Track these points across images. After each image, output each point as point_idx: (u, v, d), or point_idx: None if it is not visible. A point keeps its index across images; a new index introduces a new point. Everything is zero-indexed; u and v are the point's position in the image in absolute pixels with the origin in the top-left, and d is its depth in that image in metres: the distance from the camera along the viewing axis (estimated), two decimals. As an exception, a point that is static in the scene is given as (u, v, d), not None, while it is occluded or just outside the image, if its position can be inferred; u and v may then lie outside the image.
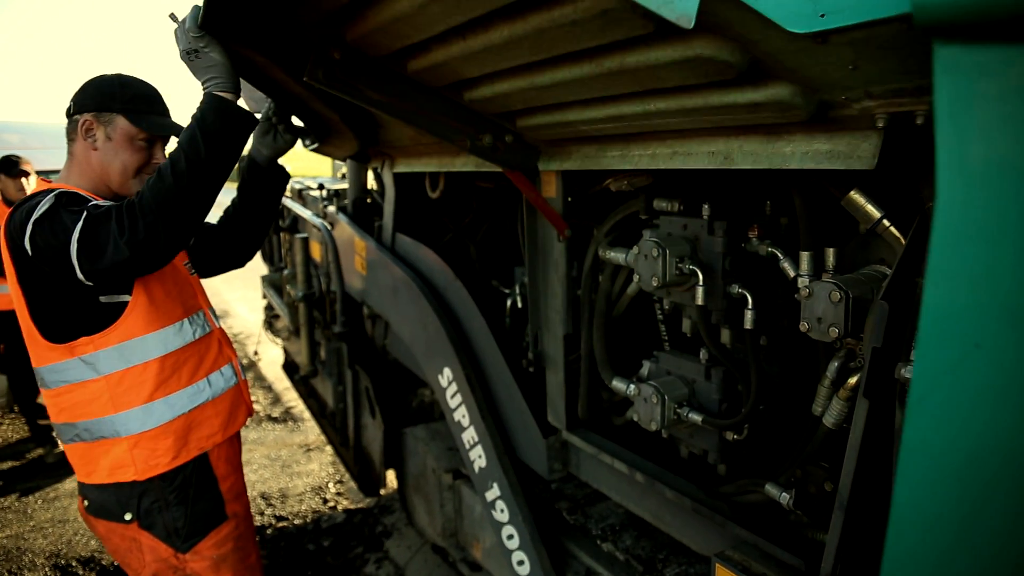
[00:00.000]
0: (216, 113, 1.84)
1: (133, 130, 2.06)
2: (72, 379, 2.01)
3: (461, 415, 2.80)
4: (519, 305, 2.90)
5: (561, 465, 2.53)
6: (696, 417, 1.84)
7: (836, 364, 1.58)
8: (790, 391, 1.87)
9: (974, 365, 0.67)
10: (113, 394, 2.02)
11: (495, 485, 2.64)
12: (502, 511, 2.62)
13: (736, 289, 1.76)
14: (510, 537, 2.60)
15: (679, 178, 1.98)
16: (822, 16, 0.92)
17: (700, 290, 1.76)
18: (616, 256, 2.03)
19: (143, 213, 1.77)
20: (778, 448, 1.89)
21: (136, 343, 2.03)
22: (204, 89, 1.89)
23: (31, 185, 5.03)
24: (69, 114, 2.07)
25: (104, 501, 2.10)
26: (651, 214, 2.01)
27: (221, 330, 2.39)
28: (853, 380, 1.51)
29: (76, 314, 1.96)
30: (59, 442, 5.43)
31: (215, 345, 2.29)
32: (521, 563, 2.56)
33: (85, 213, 1.81)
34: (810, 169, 1.41)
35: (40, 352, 2.01)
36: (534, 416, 2.53)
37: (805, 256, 1.59)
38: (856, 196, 1.47)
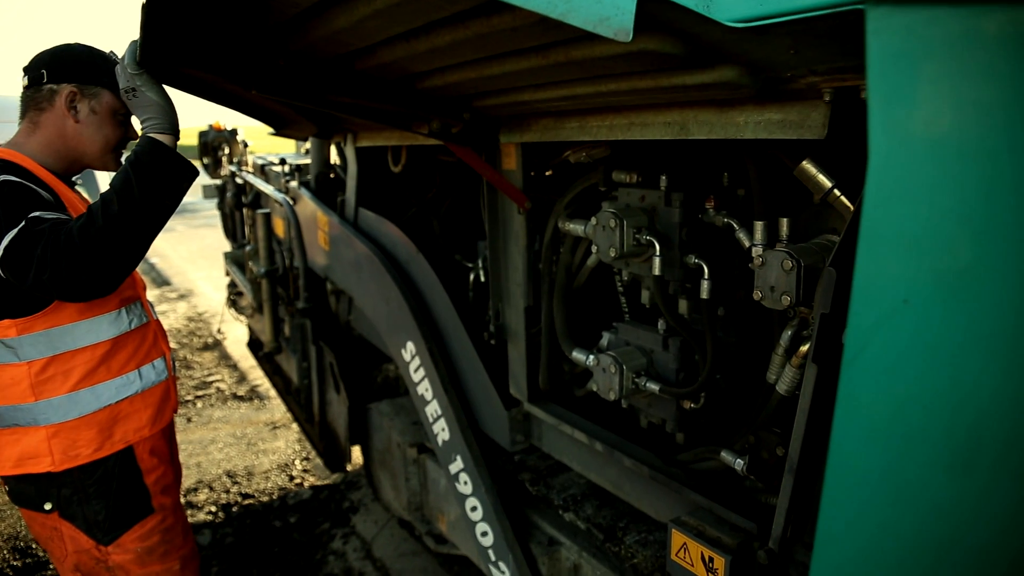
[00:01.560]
0: (151, 156, 1.80)
1: (117, 104, 2.00)
2: None
3: (424, 389, 2.80)
4: (482, 279, 2.89)
5: (523, 437, 2.55)
6: (654, 386, 1.86)
7: (789, 332, 1.60)
8: (746, 360, 1.90)
9: (902, 321, 0.69)
10: (34, 382, 1.92)
11: (458, 458, 2.65)
12: (465, 483, 2.64)
13: (693, 259, 1.78)
14: (474, 509, 2.62)
15: (637, 150, 1.98)
16: (761, 7, 0.93)
17: (657, 260, 1.77)
18: (575, 228, 2.04)
19: (69, 252, 1.68)
20: (734, 416, 1.93)
21: (65, 330, 1.93)
22: (142, 130, 1.85)
23: None
24: (37, 81, 1.95)
25: (22, 490, 2.02)
26: (609, 186, 2.01)
27: (158, 322, 2.31)
28: (805, 348, 1.53)
29: (1, 294, 1.85)
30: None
31: (150, 337, 2.20)
32: (485, 534, 2.59)
33: (23, 224, 1.71)
34: (764, 139, 1.42)
35: None
36: (496, 389, 2.54)
37: (759, 226, 1.61)
38: (808, 166, 1.49)
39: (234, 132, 5.87)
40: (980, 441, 0.70)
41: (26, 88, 1.95)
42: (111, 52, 2.00)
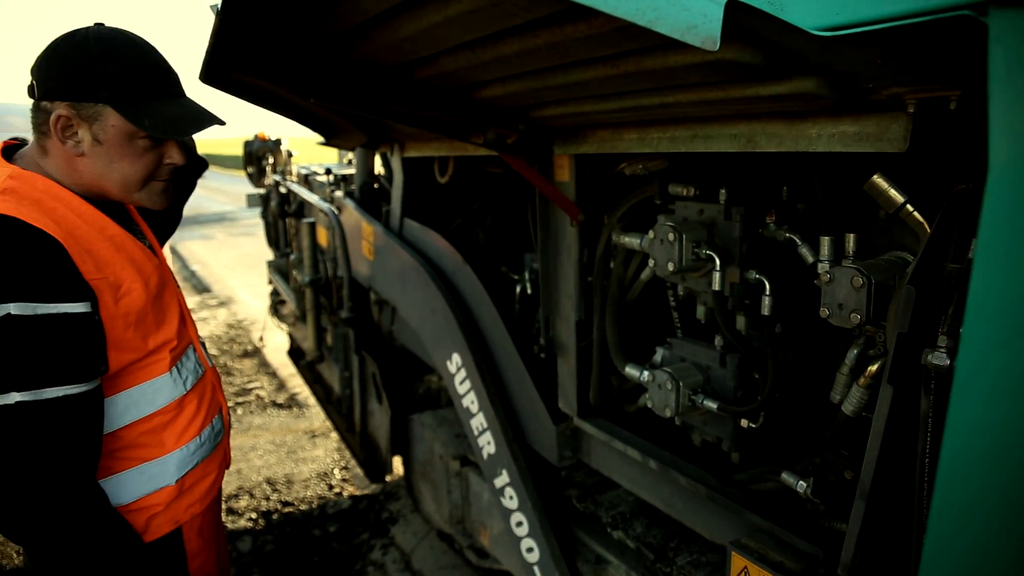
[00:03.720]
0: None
1: (130, 128, 1.44)
2: None
3: (470, 401, 2.78)
4: (528, 291, 2.87)
5: (571, 452, 2.51)
6: (711, 404, 1.82)
7: (855, 351, 1.55)
8: (804, 378, 1.84)
9: (1022, 345, 0.65)
10: None
11: (504, 472, 2.63)
12: (511, 498, 2.61)
13: (753, 275, 1.74)
14: (519, 524, 2.59)
15: (695, 162, 1.95)
16: (838, 16, 0.90)
17: (717, 275, 1.74)
18: (631, 241, 2.01)
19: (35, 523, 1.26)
20: (793, 436, 1.87)
21: (112, 402, 1.49)
22: None
23: None
24: (33, 96, 1.43)
25: None
26: (666, 199, 1.98)
27: (213, 369, 1.85)
28: (873, 368, 1.48)
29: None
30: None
31: (208, 392, 1.75)
32: (530, 550, 2.55)
33: (14, 405, 1.22)
34: (831, 152, 1.38)
35: None
36: (544, 403, 2.51)
37: (825, 241, 1.56)
38: (879, 180, 1.44)
39: (278, 142, 5.95)
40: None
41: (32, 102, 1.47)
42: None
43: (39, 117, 1.43)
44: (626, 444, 2.15)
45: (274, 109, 2.22)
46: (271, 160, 5.98)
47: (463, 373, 2.80)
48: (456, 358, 2.84)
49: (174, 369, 1.59)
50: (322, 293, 4.50)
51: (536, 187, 2.23)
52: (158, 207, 1.58)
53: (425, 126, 1.94)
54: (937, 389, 1.16)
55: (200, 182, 1.93)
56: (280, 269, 5.71)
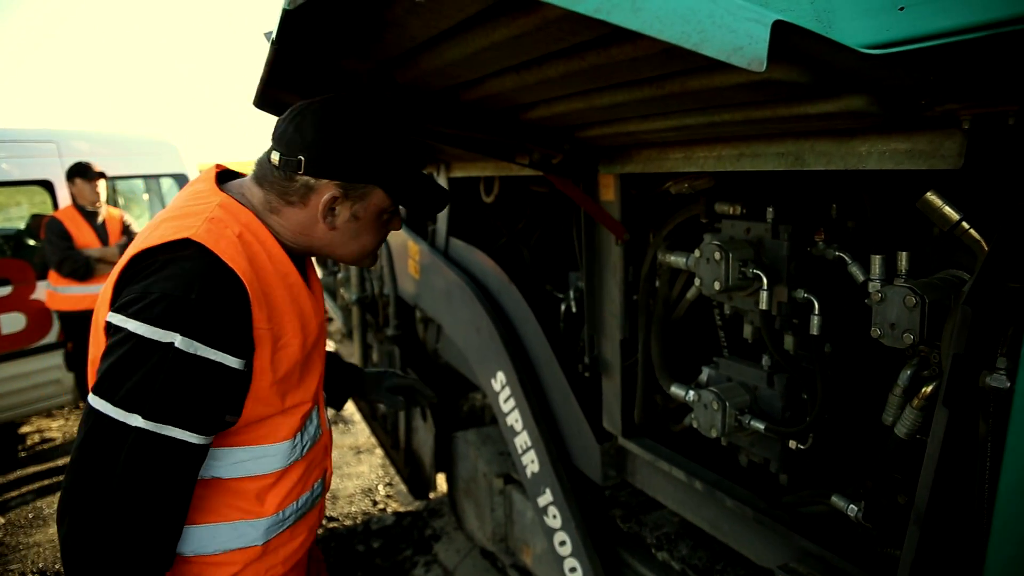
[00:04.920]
0: None
1: (387, 203, 1.47)
2: None
3: (514, 419, 2.78)
4: (573, 310, 2.87)
5: (615, 472, 2.49)
6: (759, 425, 1.79)
7: (908, 372, 1.52)
8: (855, 399, 1.81)
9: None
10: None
11: (547, 490, 2.62)
12: (554, 517, 2.60)
13: (801, 294, 1.72)
14: (562, 543, 2.58)
15: (741, 181, 1.94)
16: (888, 32, 0.89)
17: (764, 294, 1.72)
18: (677, 260, 2.00)
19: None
20: (842, 458, 1.83)
21: (222, 453, 1.43)
22: None
23: (103, 188, 5.21)
24: (291, 168, 1.38)
25: None
26: (712, 217, 1.97)
27: (330, 432, 1.76)
28: (928, 389, 1.45)
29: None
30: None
31: (319, 455, 1.64)
32: (573, 570, 2.54)
33: (135, 425, 1.20)
34: (882, 170, 1.36)
35: None
36: (588, 422, 2.50)
37: (877, 260, 1.54)
38: (933, 197, 1.42)
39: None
40: None
41: (274, 166, 1.41)
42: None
43: (291, 187, 1.40)
44: (671, 464, 2.13)
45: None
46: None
47: (507, 391, 2.81)
48: (501, 376, 2.85)
49: (297, 435, 1.51)
50: (368, 311, 4.56)
51: (581, 206, 2.24)
52: (369, 267, 1.65)
53: (471, 147, 1.96)
54: (996, 412, 1.13)
55: None
56: (327, 287, 5.81)
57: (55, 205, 5.64)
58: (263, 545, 1.49)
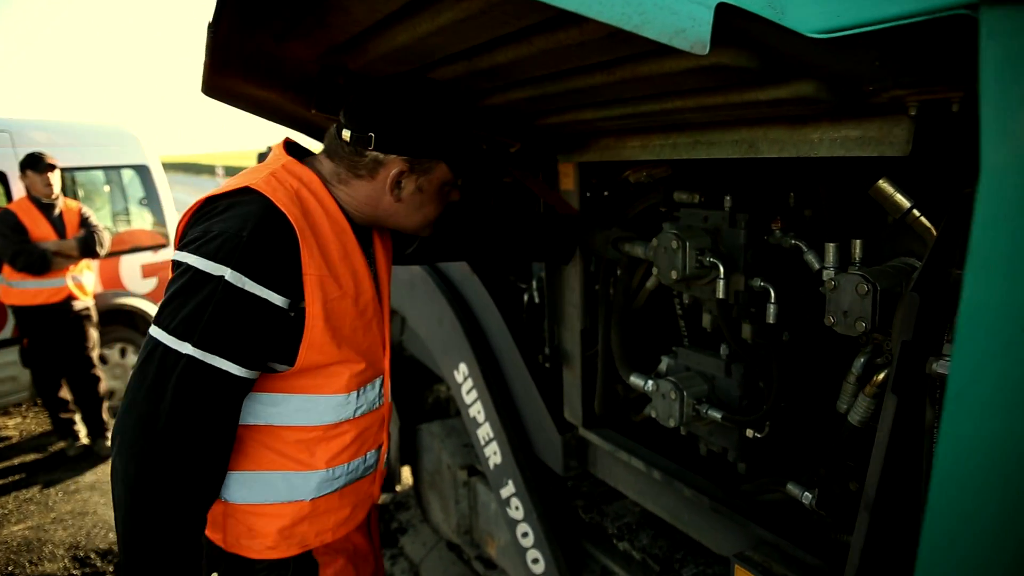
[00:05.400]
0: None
1: (449, 176, 1.55)
2: None
3: (476, 411, 2.76)
4: (536, 300, 2.86)
5: (577, 462, 2.49)
6: (716, 414, 1.79)
7: (862, 360, 1.53)
8: (812, 387, 1.81)
9: (1019, 354, 0.62)
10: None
11: (510, 482, 2.61)
12: (517, 508, 2.59)
13: (758, 282, 1.71)
14: (525, 535, 2.57)
15: (700, 169, 1.93)
16: (839, 19, 0.88)
17: (721, 283, 1.71)
18: (635, 249, 1.99)
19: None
20: (800, 446, 1.84)
21: (273, 399, 1.51)
22: None
23: (57, 180, 5.07)
24: (361, 143, 1.45)
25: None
26: (670, 206, 1.97)
27: (391, 404, 1.81)
28: (880, 376, 1.46)
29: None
30: (80, 436, 5.50)
31: (376, 425, 1.71)
32: (536, 561, 2.53)
33: (186, 352, 1.27)
34: (839, 157, 1.36)
35: None
36: (550, 412, 2.49)
37: (831, 248, 1.54)
38: (884, 185, 1.42)
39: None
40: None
41: (345, 141, 1.48)
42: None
43: (361, 161, 1.48)
44: (630, 454, 2.12)
45: (280, 121, 2.22)
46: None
47: (470, 383, 2.79)
48: (463, 368, 2.82)
49: (353, 393, 1.59)
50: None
51: (540, 196, 2.22)
52: (427, 235, 1.72)
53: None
54: (942, 399, 1.13)
55: None
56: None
57: (8, 197, 5.49)
58: (311, 501, 1.57)
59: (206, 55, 1.46)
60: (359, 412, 1.63)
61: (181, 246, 1.35)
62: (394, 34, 1.32)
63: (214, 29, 1.23)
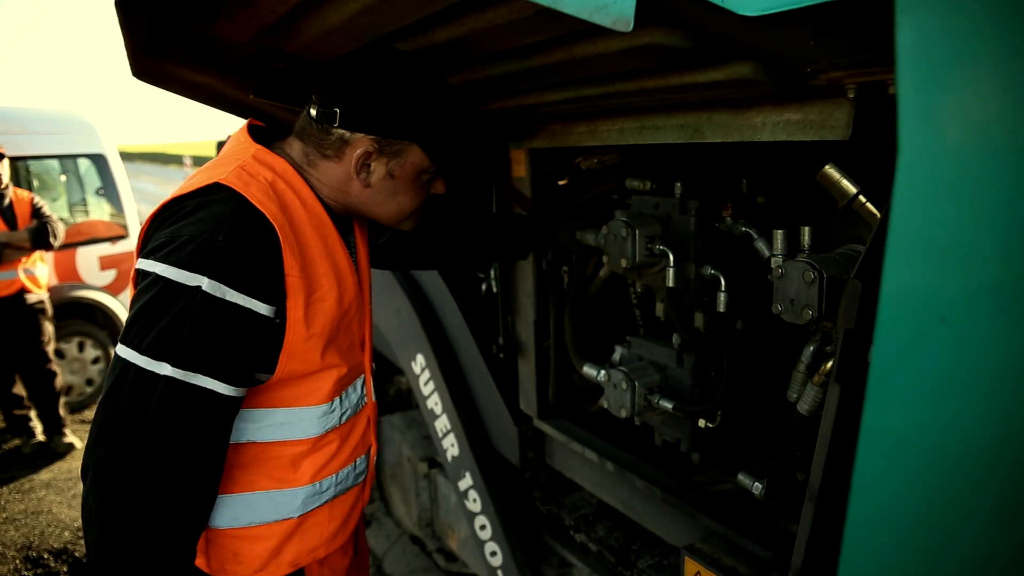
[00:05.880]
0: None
1: (426, 163, 1.38)
2: None
3: (434, 403, 2.72)
4: (494, 290, 2.82)
5: (534, 454, 2.46)
6: (667, 404, 1.77)
7: (811, 348, 1.51)
8: (766, 376, 1.80)
9: (939, 341, 0.60)
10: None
11: (467, 474, 2.57)
12: (475, 501, 2.55)
13: (709, 271, 1.69)
14: (482, 527, 2.53)
15: (652, 156, 1.90)
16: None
17: (671, 271, 1.69)
18: (587, 237, 1.95)
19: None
20: (753, 436, 1.83)
21: (255, 415, 1.36)
22: None
23: (6, 169, 4.90)
24: (326, 119, 1.31)
25: None
26: (623, 194, 1.93)
27: (375, 404, 1.66)
28: (828, 365, 1.44)
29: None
30: (35, 433, 5.37)
31: (361, 427, 1.56)
32: (494, 554, 2.50)
33: (164, 374, 1.14)
34: (785, 143, 1.33)
35: None
36: (506, 404, 2.46)
37: (778, 235, 1.52)
38: (831, 171, 1.40)
39: (252, 141, 5.86)
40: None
41: (312, 118, 1.34)
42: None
43: (327, 140, 1.33)
44: (584, 445, 2.10)
45: (221, 107, 2.14)
46: (245, 159, 5.89)
47: (427, 374, 2.74)
48: (420, 359, 2.78)
49: (336, 400, 1.44)
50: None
51: (491, 184, 2.18)
52: (408, 229, 1.55)
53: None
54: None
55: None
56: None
57: (-44, 187, 5.32)
58: (299, 518, 1.42)
59: (123, 36, 1.39)
60: (344, 418, 1.47)
61: (146, 253, 1.19)
62: (324, 14, 1.27)
63: (121, 6, 1.17)
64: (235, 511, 1.37)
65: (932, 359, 0.60)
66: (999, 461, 0.61)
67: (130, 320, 1.16)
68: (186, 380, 1.14)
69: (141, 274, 1.19)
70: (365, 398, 1.57)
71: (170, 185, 31.17)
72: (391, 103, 1.30)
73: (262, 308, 1.21)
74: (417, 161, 1.37)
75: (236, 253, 1.17)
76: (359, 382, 1.54)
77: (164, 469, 1.15)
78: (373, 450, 1.63)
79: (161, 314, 1.14)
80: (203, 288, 1.14)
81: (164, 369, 1.13)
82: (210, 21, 1.46)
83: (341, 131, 1.31)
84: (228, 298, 1.16)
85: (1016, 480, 0.62)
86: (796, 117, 1.23)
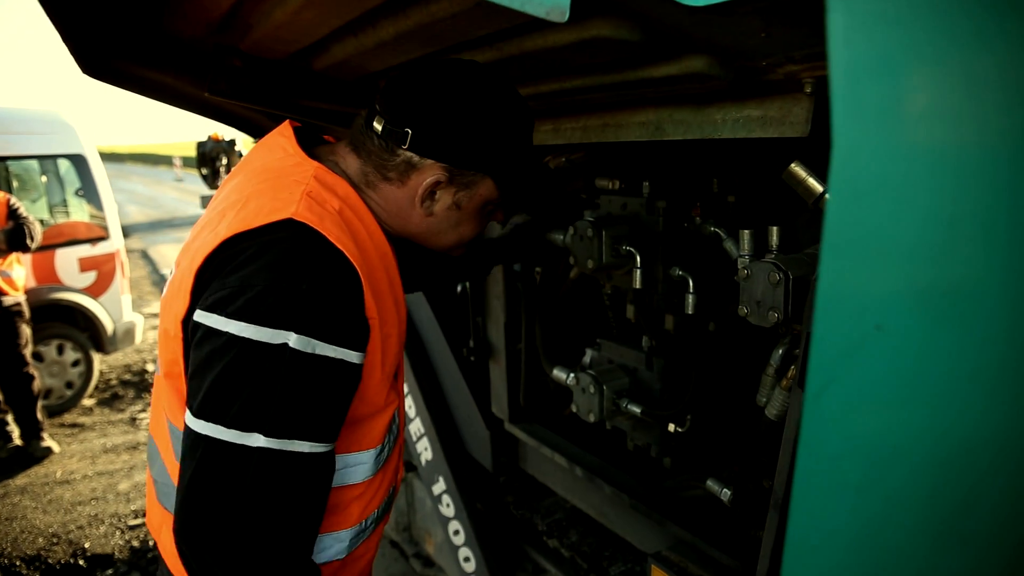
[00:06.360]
0: None
1: (495, 195, 1.26)
2: None
3: (408, 405, 2.68)
4: (469, 292, 2.77)
5: (507, 458, 2.41)
6: (635, 408, 1.73)
7: (780, 351, 1.47)
8: (738, 380, 1.76)
9: (874, 351, 0.56)
10: None
11: (441, 478, 2.53)
12: (448, 505, 2.51)
13: (677, 272, 1.65)
14: (456, 532, 2.49)
15: (621, 155, 1.86)
16: None
17: (637, 273, 1.65)
18: (555, 237, 1.91)
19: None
20: (724, 441, 1.79)
21: None
22: None
23: None
24: (395, 139, 1.16)
25: None
26: (592, 193, 1.89)
27: (403, 428, 1.55)
28: (796, 369, 1.40)
29: None
30: (12, 437, 5.29)
31: (396, 455, 1.41)
32: (467, 560, 2.46)
33: (256, 446, 1.02)
34: (754, 140, 1.29)
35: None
36: (479, 407, 2.41)
37: (745, 235, 1.48)
38: (797, 169, 1.35)
39: (232, 143, 5.82)
40: (976, 505, 0.57)
41: (375, 133, 1.18)
42: None
43: (392, 161, 1.18)
44: (554, 450, 2.06)
45: (180, 105, 2.09)
46: (225, 161, 5.85)
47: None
48: (394, 361, 2.73)
49: (387, 437, 1.30)
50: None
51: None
52: (457, 255, 1.42)
53: (332, 121, 1.82)
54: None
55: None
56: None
57: (-70, 188, 5.25)
58: (344, 559, 1.29)
59: (57, 30, 1.34)
60: (389, 453, 1.34)
61: (210, 306, 1.02)
62: (269, 8, 1.22)
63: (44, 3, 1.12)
64: None
65: (867, 370, 0.56)
66: (940, 481, 0.57)
67: (206, 391, 1.01)
68: (283, 449, 1.02)
69: (206, 331, 1.03)
70: (398, 428, 1.42)
71: (160, 186, 30.91)
72: (471, 132, 1.16)
73: (354, 357, 1.08)
74: (487, 194, 1.24)
75: (322, 301, 1.03)
76: (395, 414, 1.37)
77: (273, 538, 1.05)
78: (400, 475, 1.50)
79: (244, 381, 1.00)
80: (290, 344, 1.00)
81: (256, 440, 1.01)
82: (158, 16, 1.42)
83: (409, 154, 1.16)
84: (319, 352, 1.02)
85: (958, 500, 0.58)
86: (756, 113, 1.19)
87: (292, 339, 1.00)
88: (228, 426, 0.99)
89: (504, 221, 1.37)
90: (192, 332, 1.05)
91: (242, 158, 1.29)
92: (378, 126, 1.17)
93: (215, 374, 1.00)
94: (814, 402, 0.59)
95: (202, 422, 1.00)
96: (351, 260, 1.07)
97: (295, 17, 1.20)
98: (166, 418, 1.21)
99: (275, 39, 1.42)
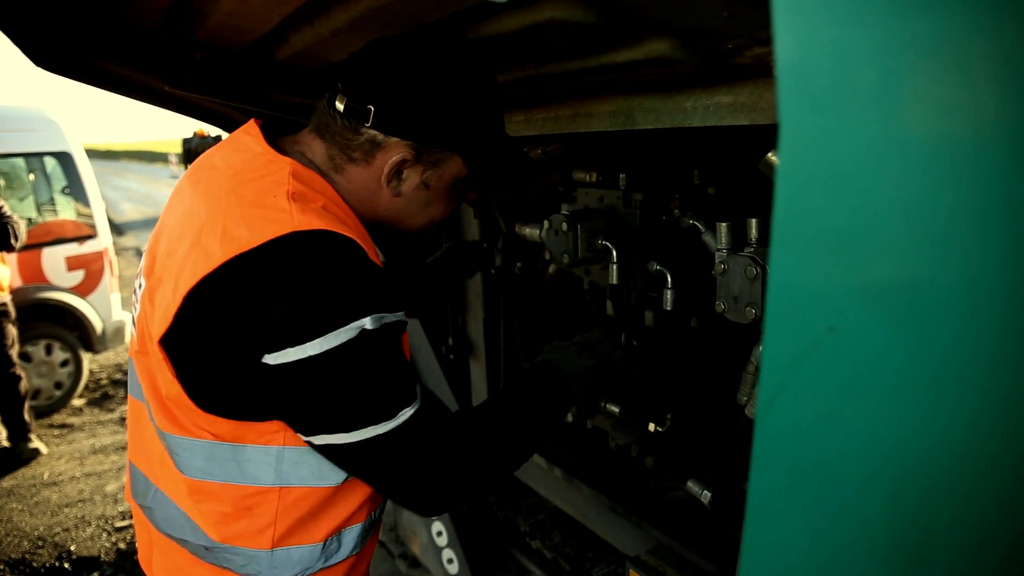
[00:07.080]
0: (562, 404, 1.35)
1: (463, 172, 1.22)
2: (216, 475, 1.15)
3: (389, 405, 2.63)
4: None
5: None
6: (614, 408, 1.68)
7: (760, 348, 1.42)
8: (721, 378, 1.71)
9: (826, 356, 0.50)
10: (280, 518, 1.16)
11: (423, 479, 2.48)
12: (431, 507, 2.46)
13: (655, 266, 1.60)
14: (439, 534, 2.45)
15: (598, 146, 1.80)
16: None
17: (614, 268, 1.59)
18: (531, 232, 1.86)
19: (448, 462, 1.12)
20: (706, 440, 1.74)
21: None
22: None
23: None
24: (357, 116, 1.12)
25: None
26: (569, 186, 1.84)
27: None
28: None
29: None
30: (-1, 437, 5.24)
31: None
32: (451, 561, 2.41)
33: (403, 421, 1.06)
34: (733, 128, 1.24)
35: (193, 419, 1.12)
36: (460, 406, 2.36)
37: (722, 228, 1.42)
38: (774, 159, 1.30)
39: (218, 139, 5.74)
40: (934, 528, 0.52)
41: (338, 112, 1.14)
42: None
43: (355, 140, 1.14)
44: (534, 450, 2.01)
45: (143, 99, 2.02)
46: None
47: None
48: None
49: None
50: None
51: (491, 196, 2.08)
52: (430, 237, 1.44)
53: (298, 114, 1.77)
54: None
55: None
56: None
57: (-87, 187, 5.18)
58: (359, 553, 1.26)
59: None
60: None
61: (273, 346, 0.99)
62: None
63: None
64: (344, 544, 1.22)
65: (820, 376, 0.51)
66: (897, 493, 0.52)
67: (312, 415, 1.04)
68: (398, 424, 1.05)
69: (289, 367, 1.00)
70: None
71: (156, 183, 30.84)
72: (436, 107, 1.12)
73: (402, 315, 1.11)
74: (456, 172, 1.21)
75: (363, 279, 1.03)
76: None
77: (441, 442, 1.11)
78: None
79: (344, 387, 1.02)
80: (367, 328, 1.01)
81: (382, 428, 1.04)
82: (113, 6, 1.36)
83: (373, 132, 1.12)
84: (387, 320, 1.05)
85: (917, 518, 0.53)
86: (727, 100, 1.13)
87: (366, 322, 1.01)
88: (350, 430, 1.03)
89: (477, 200, 1.32)
90: (263, 376, 1.02)
91: (198, 158, 1.23)
92: (340, 105, 1.13)
93: (330, 392, 1.02)
94: (765, 413, 0.54)
95: (327, 436, 1.05)
96: (356, 241, 1.06)
97: (242, 4, 1.15)
98: (156, 430, 1.16)
99: (230, 28, 1.36)
